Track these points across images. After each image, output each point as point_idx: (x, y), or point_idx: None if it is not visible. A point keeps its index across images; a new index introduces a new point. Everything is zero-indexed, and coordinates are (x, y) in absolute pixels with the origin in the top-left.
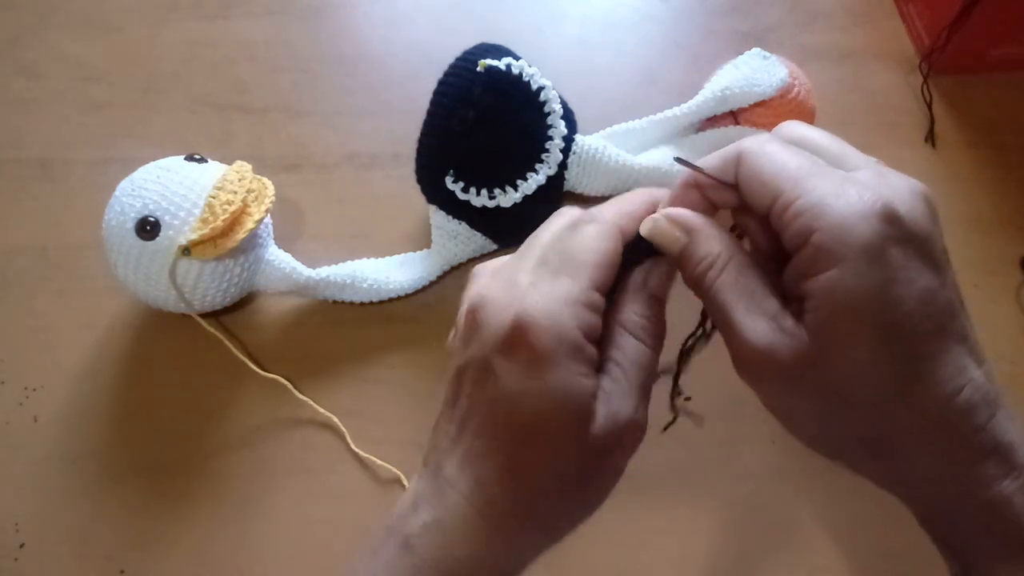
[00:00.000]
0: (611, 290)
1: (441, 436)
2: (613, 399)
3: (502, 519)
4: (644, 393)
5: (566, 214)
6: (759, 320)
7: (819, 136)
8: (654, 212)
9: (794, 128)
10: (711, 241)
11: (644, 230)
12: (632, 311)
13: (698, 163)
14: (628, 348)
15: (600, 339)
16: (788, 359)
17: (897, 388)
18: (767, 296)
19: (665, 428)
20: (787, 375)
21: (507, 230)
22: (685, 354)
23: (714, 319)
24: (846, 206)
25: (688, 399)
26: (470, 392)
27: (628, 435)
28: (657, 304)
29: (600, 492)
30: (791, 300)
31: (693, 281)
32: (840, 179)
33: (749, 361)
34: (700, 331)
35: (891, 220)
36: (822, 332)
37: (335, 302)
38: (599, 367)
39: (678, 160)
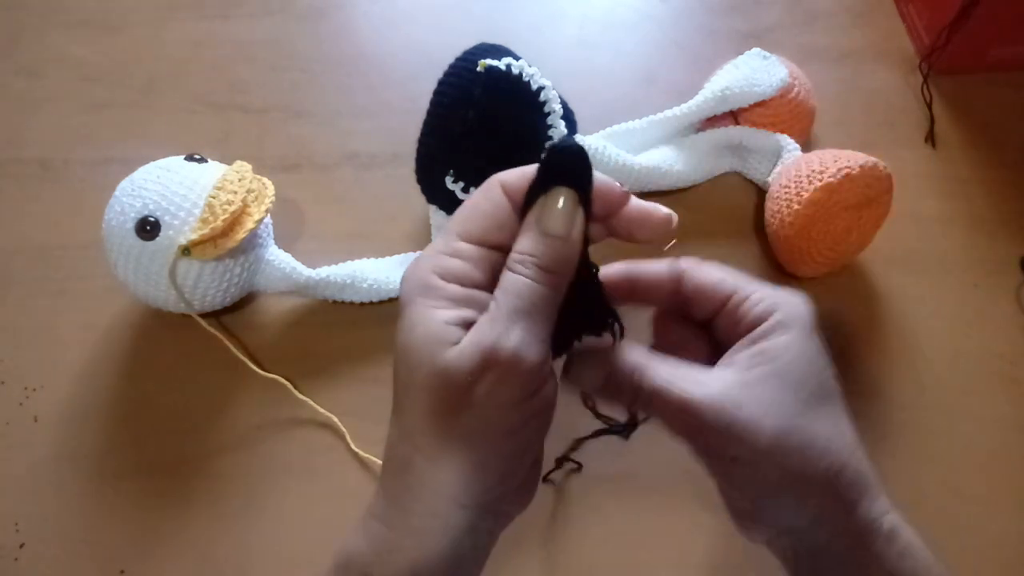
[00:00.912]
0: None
1: None
2: (481, 328)
3: (399, 459)
4: (519, 319)
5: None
6: (692, 384)
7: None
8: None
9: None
10: (628, 363)
11: (566, 379)
12: (515, 249)
13: (626, 267)
14: (505, 281)
15: (489, 286)
16: (714, 422)
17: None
18: (696, 370)
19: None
20: (710, 439)
21: None
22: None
23: (659, 413)
24: (790, 299)
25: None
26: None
27: (492, 360)
28: (549, 239)
29: (490, 426)
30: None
31: (631, 396)
32: (766, 285)
33: (686, 423)
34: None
35: (812, 312)
36: (782, 372)
37: (335, 302)
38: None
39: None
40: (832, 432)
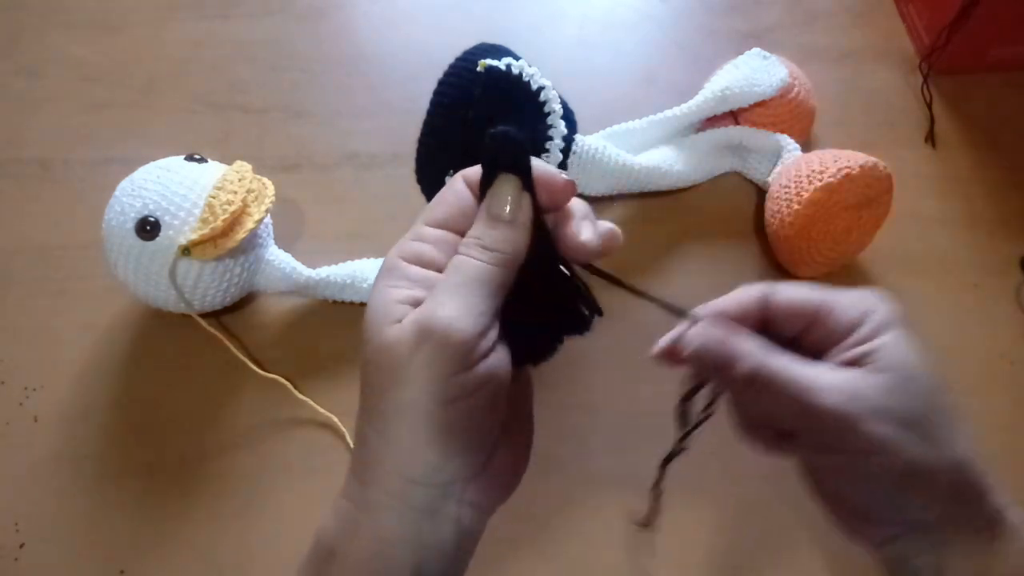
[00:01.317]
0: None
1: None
2: (424, 304)
3: (360, 435)
4: (457, 294)
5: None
6: (827, 380)
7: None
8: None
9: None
10: (746, 344)
11: (661, 344)
12: (468, 235)
13: (713, 307)
14: (451, 263)
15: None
16: (873, 397)
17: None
18: (816, 366)
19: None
20: (877, 405)
21: None
22: (664, 465)
23: (777, 398)
24: (879, 299)
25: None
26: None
27: (428, 332)
28: (496, 223)
29: (432, 395)
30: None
31: (750, 376)
32: (849, 291)
33: (829, 415)
34: (679, 447)
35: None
36: (898, 366)
37: (335, 302)
38: None
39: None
40: (954, 422)
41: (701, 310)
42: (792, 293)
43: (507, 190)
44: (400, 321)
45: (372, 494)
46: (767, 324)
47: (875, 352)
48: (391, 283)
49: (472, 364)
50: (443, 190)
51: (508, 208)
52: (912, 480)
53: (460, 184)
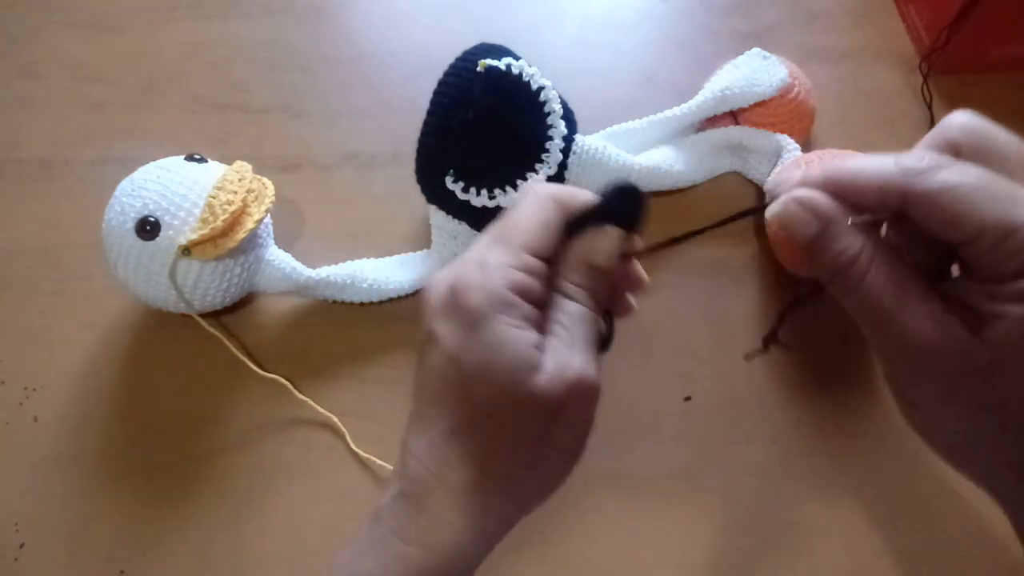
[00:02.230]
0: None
1: (409, 418)
2: (560, 353)
3: (456, 480)
4: (590, 347)
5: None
6: (925, 319)
7: (999, 140)
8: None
9: (965, 130)
10: (849, 235)
11: (771, 213)
12: (569, 279)
13: (852, 172)
14: (569, 308)
15: (544, 302)
16: (960, 362)
17: None
18: (929, 297)
19: (748, 356)
20: (953, 378)
21: None
22: (785, 314)
23: (860, 313)
24: None
25: (689, 399)
26: (420, 364)
27: (581, 388)
28: (595, 273)
29: (563, 450)
30: (961, 309)
31: (832, 272)
32: None
33: (912, 357)
34: (803, 296)
35: None
36: (1011, 352)
37: (335, 302)
38: (544, 329)
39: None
40: None
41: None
42: (947, 202)
43: (614, 242)
44: (536, 368)
45: (464, 541)
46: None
47: (1005, 319)
48: (516, 323)
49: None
50: (536, 211)
51: (611, 260)
52: None
53: (552, 207)
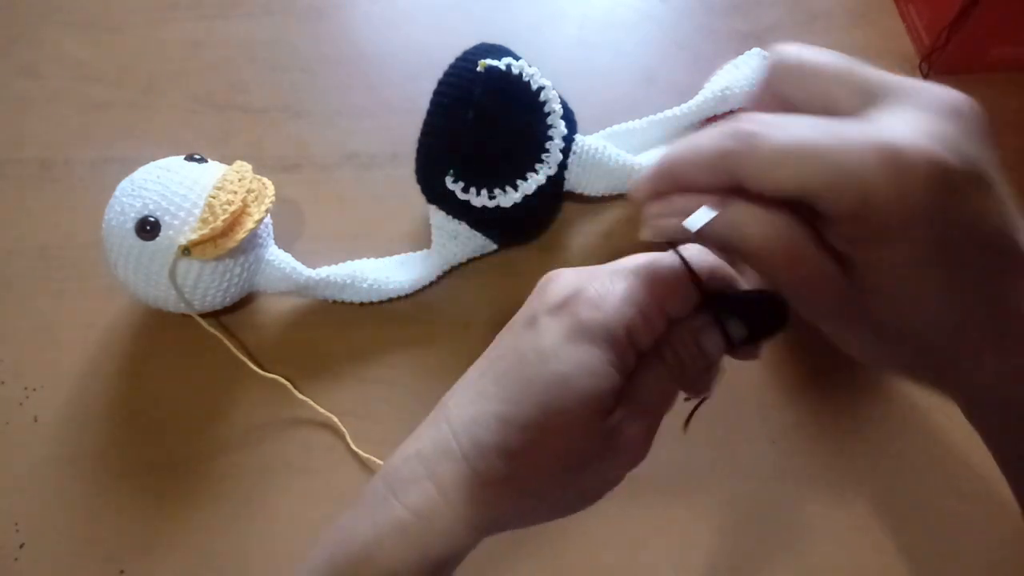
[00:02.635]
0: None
1: (461, 380)
2: (633, 412)
3: (482, 467)
4: (655, 421)
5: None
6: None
7: (819, 71)
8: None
9: (779, 71)
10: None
11: (646, 234)
12: (677, 350)
13: (677, 157)
14: (657, 384)
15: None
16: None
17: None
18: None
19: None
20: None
21: (507, 230)
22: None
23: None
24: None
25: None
26: (508, 339)
27: (631, 450)
28: (697, 355)
29: (581, 494)
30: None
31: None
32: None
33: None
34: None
35: (936, 187)
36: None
37: (335, 302)
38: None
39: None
40: None
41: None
42: (780, 175)
43: (735, 338)
44: (606, 411)
45: (459, 527)
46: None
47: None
48: (611, 359)
49: None
50: (677, 294)
51: (717, 355)
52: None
53: (683, 306)
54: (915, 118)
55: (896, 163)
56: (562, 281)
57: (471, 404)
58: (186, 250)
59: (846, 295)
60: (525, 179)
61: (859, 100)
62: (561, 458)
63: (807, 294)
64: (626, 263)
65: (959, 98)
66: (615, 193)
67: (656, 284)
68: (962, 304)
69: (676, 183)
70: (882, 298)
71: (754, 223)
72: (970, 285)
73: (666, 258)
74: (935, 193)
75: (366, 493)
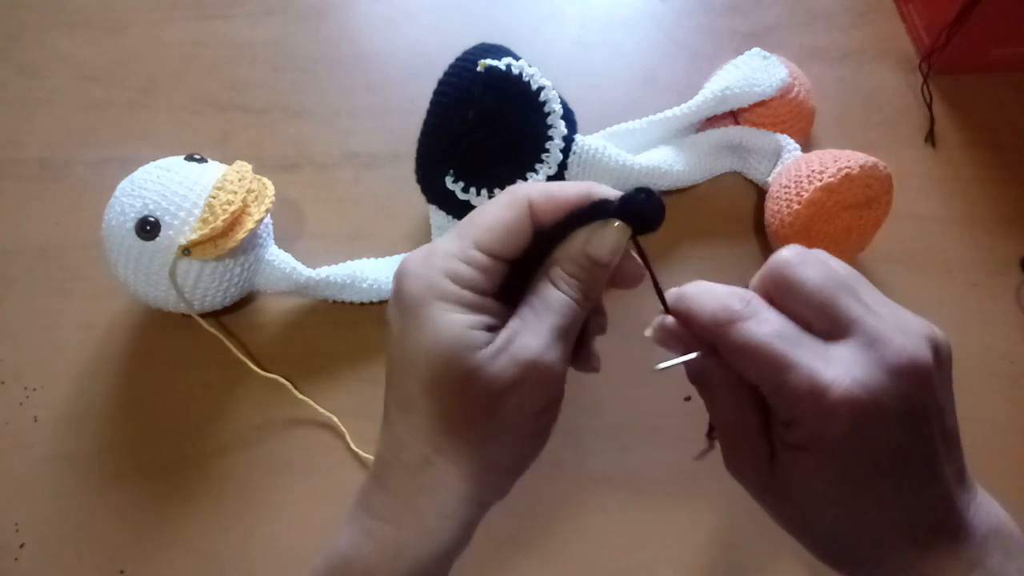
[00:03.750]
0: (531, 256)
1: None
2: (517, 337)
3: (409, 457)
4: (558, 336)
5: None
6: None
7: (807, 283)
8: (576, 193)
9: (778, 273)
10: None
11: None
12: (560, 267)
13: (696, 302)
14: (547, 295)
15: (489, 293)
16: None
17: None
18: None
19: (701, 455)
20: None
21: None
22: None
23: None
24: (812, 415)
25: (688, 399)
26: (384, 352)
27: (534, 371)
28: (593, 266)
29: (516, 432)
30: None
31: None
32: (807, 376)
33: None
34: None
35: (861, 416)
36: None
37: (335, 302)
38: (497, 315)
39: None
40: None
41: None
42: (738, 358)
43: (617, 239)
44: (484, 348)
45: (432, 520)
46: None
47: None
48: (452, 307)
49: (557, 400)
50: (500, 209)
51: (612, 252)
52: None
53: (524, 208)
54: (863, 365)
55: (820, 400)
56: (397, 272)
57: (384, 415)
58: (186, 250)
59: (767, 474)
60: (525, 179)
61: (829, 327)
62: (465, 411)
63: (734, 452)
64: (447, 233)
65: (916, 356)
66: None
67: (476, 230)
68: (864, 515)
69: (684, 314)
70: (792, 493)
71: (719, 380)
72: (873, 502)
73: (490, 209)
74: (847, 430)
75: (345, 513)
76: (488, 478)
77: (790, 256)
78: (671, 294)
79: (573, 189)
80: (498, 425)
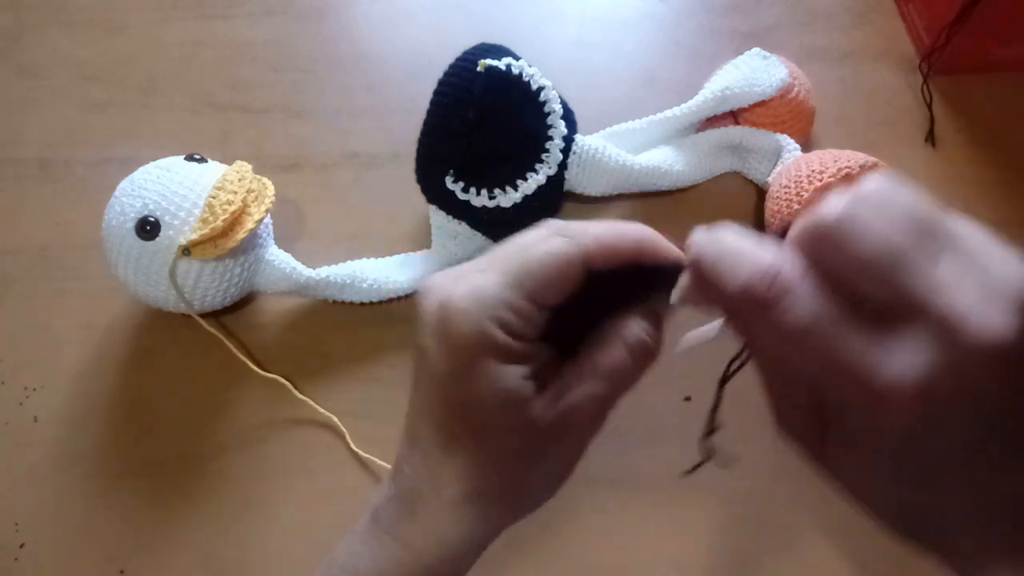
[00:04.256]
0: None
1: (405, 422)
2: (570, 391)
3: (449, 495)
4: (607, 387)
5: (546, 225)
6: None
7: (868, 253)
8: (636, 247)
9: (835, 240)
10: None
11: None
12: (635, 326)
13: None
14: (614, 356)
15: (528, 337)
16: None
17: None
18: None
19: (691, 471)
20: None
21: (507, 230)
22: (723, 384)
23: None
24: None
25: (688, 399)
26: (414, 376)
27: (583, 428)
28: (657, 321)
29: (553, 472)
30: None
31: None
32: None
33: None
34: (738, 360)
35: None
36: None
37: (335, 302)
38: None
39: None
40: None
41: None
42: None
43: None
44: (536, 399)
45: (421, 538)
46: None
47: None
48: (500, 359)
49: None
50: (550, 256)
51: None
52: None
53: (577, 260)
54: (931, 352)
55: (878, 399)
56: (430, 297)
57: (417, 444)
58: (186, 250)
59: (818, 443)
60: (525, 179)
61: (891, 302)
62: (513, 457)
63: (781, 411)
64: (494, 256)
65: (999, 334)
66: (615, 193)
67: (528, 277)
68: (931, 505)
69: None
70: (843, 472)
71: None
72: (938, 495)
73: (543, 253)
74: (907, 427)
75: (361, 531)
76: (521, 511)
77: (840, 212)
78: (697, 238)
79: (628, 241)
80: (538, 472)
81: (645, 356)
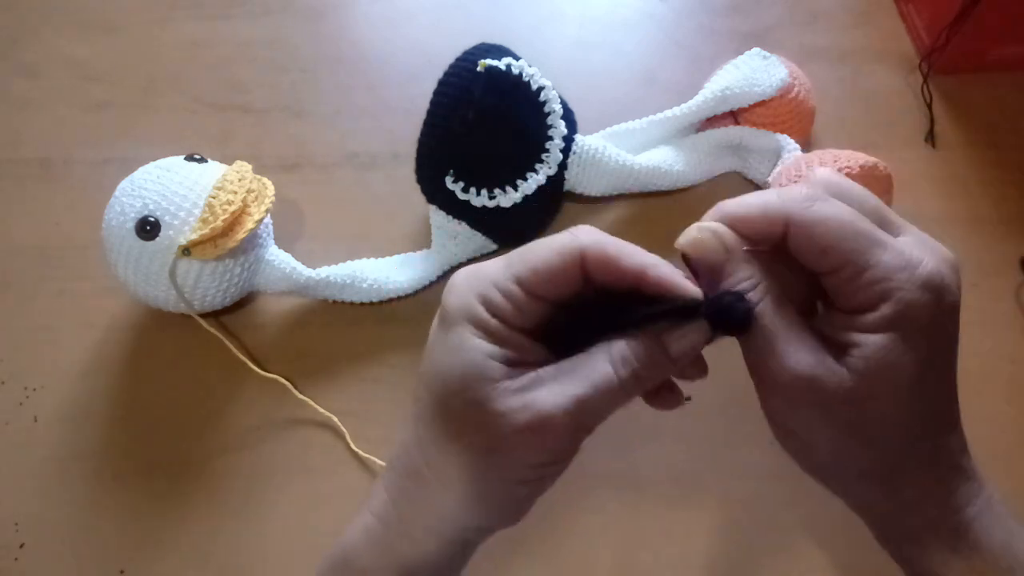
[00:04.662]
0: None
1: None
2: (543, 386)
3: (408, 461)
4: (585, 407)
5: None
6: (802, 351)
7: (857, 191)
8: (638, 269)
9: (831, 180)
10: (749, 266)
11: (684, 241)
12: (625, 344)
13: (738, 204)
14: (596, 364)
15: (515, 326)
16: (831, 392)
17: (919, 435)
18: (806, 331)
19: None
20: (824, 407)
21: (507, 230)
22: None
23: (747, 342)
24: (912, 286)
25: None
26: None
27: (542, 427)
28: (662, 358)
29: (520, 473)
30: (827, 341)
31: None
32: (899, 251)
33: (788, 388)
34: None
35: (943, 296)
36: (870, 379)
37: (335, 302)
38: (517, 350)
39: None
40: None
41: (721, 209)
42: (817, 231)
43: (700, 340)
44: (499, 382)
45: (419, 532)
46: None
47: (860, 348)
48: (474, 331)
49: (565, 459)
50: (550, 252)
51: (688, 354)
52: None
53: (574, 261)
54: (929, 253)
55: (915, 271)
56: (452, 280)
57: (411, 423)
58: (186, 250)
59: (837, 383)
60: (525, 179)
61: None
62: (464, 439)
63: (790, 338)
64: (505, 255)
65: (956, 264)
66: (615, 193)
67: (524, 267)
68: (921, 428)
69: (731, 225)
70: (869, 398)
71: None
72: (929, 411)
73: (547, 252)
74: (933, 308)
75: (358, 523)
76: (477, 507)
77: (831, 172)
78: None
79: (630, 261)
80: (492, 461)
81: (629, 373)
